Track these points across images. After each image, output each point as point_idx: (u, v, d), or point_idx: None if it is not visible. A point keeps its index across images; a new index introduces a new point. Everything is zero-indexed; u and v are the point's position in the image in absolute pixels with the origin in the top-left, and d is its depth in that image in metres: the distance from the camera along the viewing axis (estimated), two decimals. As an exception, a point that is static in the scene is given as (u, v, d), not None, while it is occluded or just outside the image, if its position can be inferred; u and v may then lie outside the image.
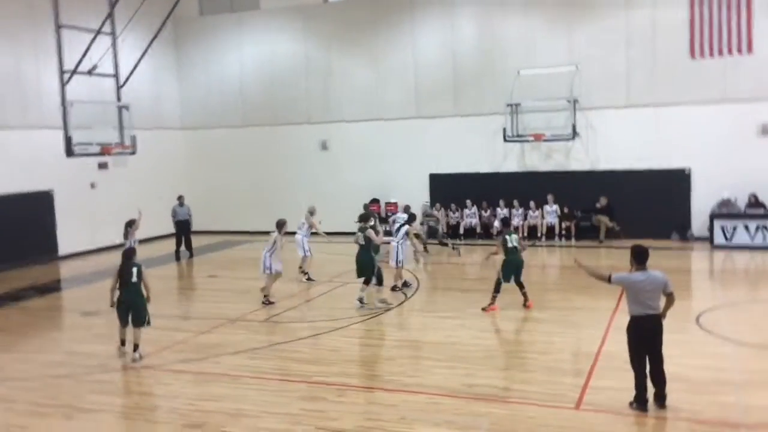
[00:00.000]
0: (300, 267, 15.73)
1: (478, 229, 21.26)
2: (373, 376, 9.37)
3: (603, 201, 19.76)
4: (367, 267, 12.80)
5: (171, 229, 20.22)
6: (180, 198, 20.11)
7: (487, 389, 8.53)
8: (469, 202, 21.31)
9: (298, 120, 23.57)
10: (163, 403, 8.63)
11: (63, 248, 20.04)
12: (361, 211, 21.28)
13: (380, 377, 9.31)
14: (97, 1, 17.78)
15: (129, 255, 10.39)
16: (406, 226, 14.55)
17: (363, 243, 12.81)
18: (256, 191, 23.92)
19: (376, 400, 8.41)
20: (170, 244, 20.02)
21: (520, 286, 12.44)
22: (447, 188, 21.69)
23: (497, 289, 12.33)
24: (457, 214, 21.50)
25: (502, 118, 20.36)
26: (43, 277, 17.59)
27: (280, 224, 13.57)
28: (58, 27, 16.03)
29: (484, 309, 12.32)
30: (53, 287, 16.69)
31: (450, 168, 21.72)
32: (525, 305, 12.37)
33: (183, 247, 19.57)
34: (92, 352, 10.77)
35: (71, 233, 20.21)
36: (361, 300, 12.80)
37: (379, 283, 14.03)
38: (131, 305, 10.21)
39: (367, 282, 12.87)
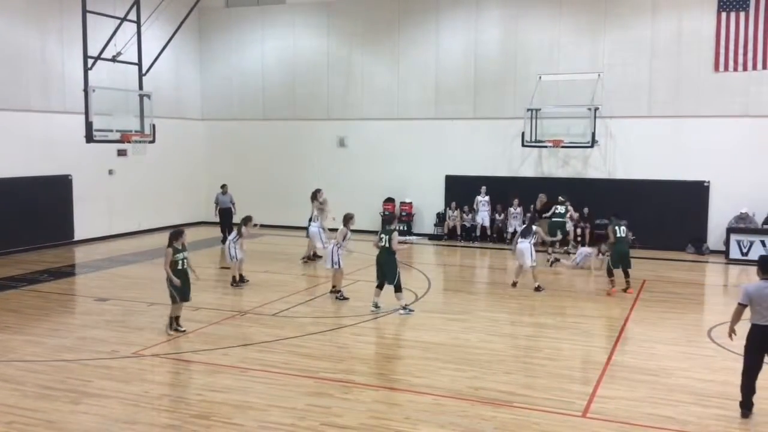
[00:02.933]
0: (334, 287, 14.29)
1: (489, 231, 21.21)
2: (379, 375, 9.37)
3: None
4: (394, 270, 12.52)
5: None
6: (223, 186, 20.47)
7: (494, 393, 8.51)
8: (483, 198, 21.05)
9: (317, 116, 23.63)
10: (171, 392, 8.69)
11: (79, 233, 20.23)
12: (381, 210, 21.61)
13: (387, 376, 9.31)
14: (125, -11, 17.93)
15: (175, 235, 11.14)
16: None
17: (387, 246, 12.48)
18: (273, 185, 24.01)
19: (382, 398, 8.41)
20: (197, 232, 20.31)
21: (626, 273, 14.03)
22: (463, 190, 21.65)
23: (610, 274, 14.06)
24: (470, 215, 21.45)
25: (521, 123, 20.30)
26: (58, 261, 17.77)
27: (348, 218, 13.45)
28: (85, 12, 16.17)
29: (608, 293, 13.78)
30: (68, 272, 16.84)
31: (466, 170, 21.68)
32: (625, 291, 13.96)
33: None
34: (103, 338, 10.86)
35: (88, 219, 20.40)
36: (405, 307, 12.46)
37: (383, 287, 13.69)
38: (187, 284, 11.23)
39: (398, 288, 12.49)
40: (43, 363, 9.59)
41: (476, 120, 21.63)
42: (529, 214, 16.75)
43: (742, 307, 7.83)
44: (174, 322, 11.16)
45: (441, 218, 21.99)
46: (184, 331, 11.08)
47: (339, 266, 13.45)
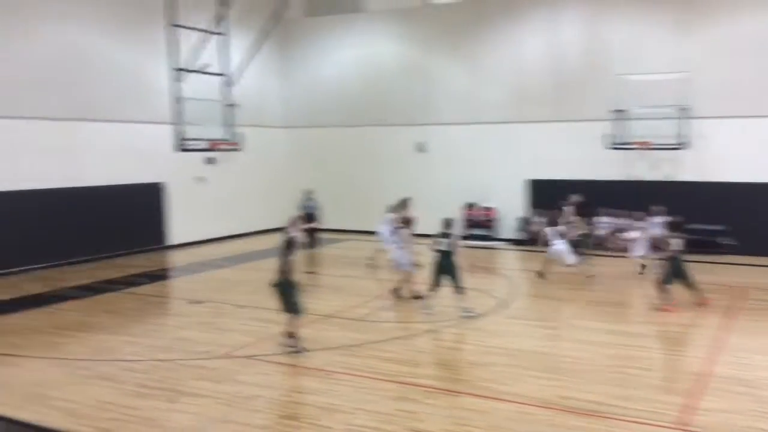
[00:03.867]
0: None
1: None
2: (463, 381, 9.34)
3: None
4: (457, 272, 12.59)
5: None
6: (309, 192, 20.89)
7: (583, 403, 8.33)
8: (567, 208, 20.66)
9: (395, 121, 23.78)
10: (261, 393, 8.93)
11: (172, 238, 21.10)
12: (462, 215, 21.56)
13: (471, 382, 9.26)
14: (210, 1, 18.60)
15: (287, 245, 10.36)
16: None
17: (449, 249, 12.56)
18: (352, 190, 24.31)
19: (466, 405, 8.38)
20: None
21: (689, 286, 13.03)
22: (545, 195, 21.27)
23: (664, 289, 12.95)
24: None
25: (604, 124, 19.80)
26: (154, 264, 18.58)
27: (449, 222, 13.39)
28: (173, 27, 16.87)
29: (665, 309, 12.64)
30: (162, 275, 17.60)
31: (548, 174, 21.33)
32: (700, 304, 12.93)
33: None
34: (196, 339, 11.28)
35: (180, 224, 21.26)
36: (467, 309, 12.55)
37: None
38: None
39: (461, 290, 12.58)
40: (140, 362, 10.05)
41: (557, 122, 21.24)
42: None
43: None
44: (293, 337, 10.41)
45: (523, 223, 21.69)
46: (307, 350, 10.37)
47: (411, 268, 13.59)
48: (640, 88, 19.56)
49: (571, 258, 14.78)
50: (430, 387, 8.96)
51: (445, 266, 12.54)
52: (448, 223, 12.94)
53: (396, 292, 14.01)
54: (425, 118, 23.32)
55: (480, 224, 22.34)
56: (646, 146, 19.30)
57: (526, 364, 9.86)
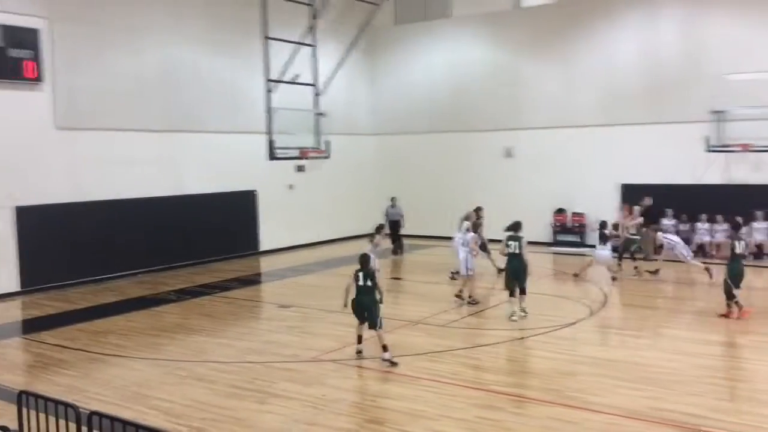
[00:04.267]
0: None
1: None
2: (552, 391, 9.13)
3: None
4: (525, 274, 12.82)
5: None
6: (392, 199, 21.20)
7: (677, 415, 7.99)
8: (669, 222, 19.96)
9: (483, 127, 23.60)
10: (347, 397, 9.06)
11: (264, 244, 21.73)
12: (551, 221, 21.16)
13: (560, 392, 9.04)
14: (301, 14, 19.09)
15: (361, 260, 10.52)
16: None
17: (518, 252, 12.73)
18: (439, 197, 24.26)
19: (555, 415, 8.19)
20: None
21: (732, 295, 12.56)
22: (638, 199, 20.51)
23: (730, 296, 12.52)
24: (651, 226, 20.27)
25: (704, 126, 18.94)
26: (246, 270, 19.19)
27: (516, 226, 13.32)
28: (266, 39, 17.40)
29: (728, 315, 12.31)
30: (254, 280, 18.16)
31: (643, 178, 20.57)
32: (738, 317, 12.37)
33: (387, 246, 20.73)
34: (286, 342, 11.57)
35: (271, 231, 21.87)
36: (524, 310, 12.81)
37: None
38: (363, 306, 10.39)
39: (525, 291, 12.87)
40: (232, 364, 10.39)
41: (653, 125, 20.46)
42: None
43: None
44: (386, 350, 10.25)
45: (616, 229, 20.96)
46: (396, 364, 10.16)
47: (473, 272, 13.87)
48: (741, 87, 18.62)
49: (611, 262, 14.78)
50: (516, 395, 8.83)
51: (515, 269, 12.71)
52: (515, 226, 13.01)
53: (468, 294, 14.22)
54: (513, 123, 23.02)
55: (570, 230, 21.84)
56: (747, 148, 18.32)
57: (616, 374, 9.55)
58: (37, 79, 15.95)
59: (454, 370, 9.90)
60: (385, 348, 10.13)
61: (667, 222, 19.81)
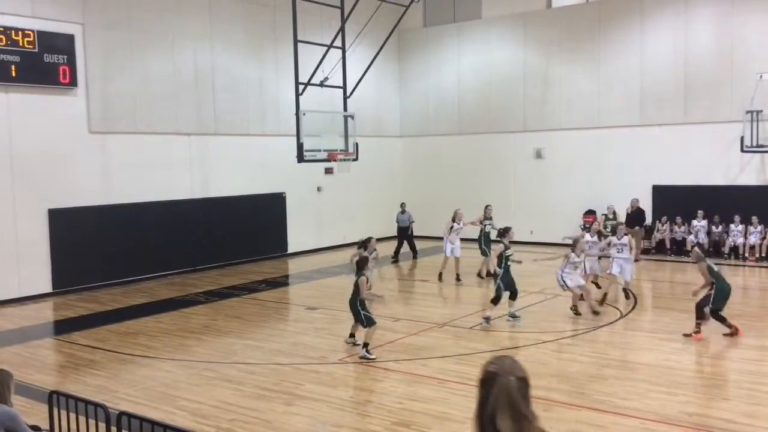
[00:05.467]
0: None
1: (706, 246, 19.56)
2: (581, 394, 9.00)
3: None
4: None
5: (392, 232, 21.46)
6: (402, 205, 21.18)
7: (711, 420, 7.83)
8: (699, 222, 19.63)
9: (513, 128, 23.43)
10: (374, 399, 9.05)
11: (292, 246, 21.83)
12: (581, 223, 20.91)
13: (589, 396, 8.91)
14: (330, 17, 19.15)
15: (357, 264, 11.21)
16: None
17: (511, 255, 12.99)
18: (468, 198, 24.03)
19: (584, 419, 8.08)
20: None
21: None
22: (672, 201, 20.24)
23: (721, 318, 11.33)
24: (683, 228, 19.99)
25: (739, 126, 18.57)
26: (274, 272, 19.29)
27: (505, 231, 13.33)
28: (296, 42, 17.48)
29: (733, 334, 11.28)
30: (282, 282, 18.24)
31: (676, 179, 20.25)
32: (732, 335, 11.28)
33: (403, 250, 20.85)
34: (313, 344, 11.59)
35: (299, 233, 21.96)
36: (513, 315, 12.81)
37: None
38: (349, 305, 11.06)
39: (515, 295, 12.92)
40: (260, 366, 10.44)
41: (686, 125, 20.14)
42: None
43: None
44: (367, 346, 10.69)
45: (648, 231, 20.70)
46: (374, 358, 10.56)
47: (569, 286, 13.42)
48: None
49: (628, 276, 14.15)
50: (546, 399, 8.70)
51: (509, 282, 12.76)
52: (504, 231, 13.12)
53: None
54: (543, 124, 22.83)
55: (601, 232, 21.51)
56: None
57: (648, 378, 9.38)
58: (72, 84, 16.23)
59: (481, 373, 9.79)
60: (365, 345, 10.56)
61: (697, 223, 19.51)
